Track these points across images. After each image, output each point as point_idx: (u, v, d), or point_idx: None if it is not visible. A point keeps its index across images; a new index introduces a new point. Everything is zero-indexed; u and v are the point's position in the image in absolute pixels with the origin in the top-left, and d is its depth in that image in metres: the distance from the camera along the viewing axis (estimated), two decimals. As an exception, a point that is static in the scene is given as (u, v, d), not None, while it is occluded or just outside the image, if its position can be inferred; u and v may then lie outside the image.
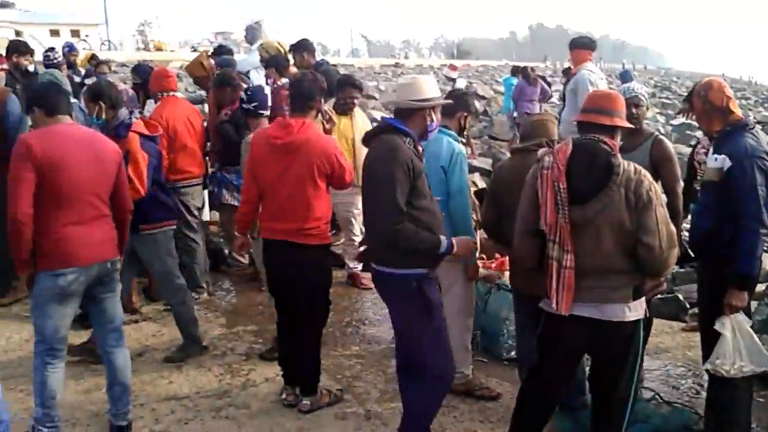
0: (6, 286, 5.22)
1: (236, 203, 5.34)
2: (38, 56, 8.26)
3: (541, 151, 3.08)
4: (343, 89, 5.69)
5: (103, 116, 4.17)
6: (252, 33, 8.28)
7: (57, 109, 3.40)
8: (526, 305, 3.70)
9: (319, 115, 4.19)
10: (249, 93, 4.84)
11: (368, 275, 6.37)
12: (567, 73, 16.25)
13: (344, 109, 5.63)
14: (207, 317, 5.41)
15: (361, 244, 3.38)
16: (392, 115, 3.40)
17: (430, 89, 3.34)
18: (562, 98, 14.80)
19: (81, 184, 3.32)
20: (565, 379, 3.28)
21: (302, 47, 6.67)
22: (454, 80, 14.88)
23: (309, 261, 3.86)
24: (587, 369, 3.87)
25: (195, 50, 42.68)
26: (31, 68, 7.68)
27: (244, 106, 4.81)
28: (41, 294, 3.34)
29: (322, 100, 4.19)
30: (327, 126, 4.62)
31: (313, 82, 3.95)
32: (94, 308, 3.58)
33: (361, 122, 5.86)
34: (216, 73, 6.21)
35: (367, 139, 3.38)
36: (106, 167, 3.44)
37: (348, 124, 5.65)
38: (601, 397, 3.19)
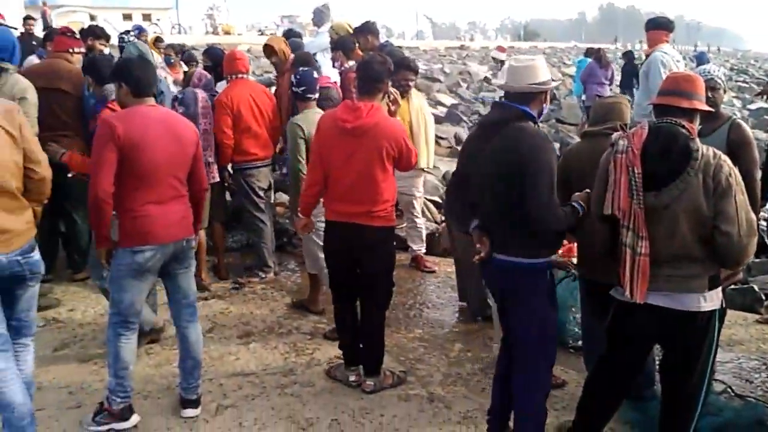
0: (83, 262, 5.42)
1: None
2: (113, 40, 8.53)
3: (615, 135, 2.99)
4: (398, 71, 5.64)
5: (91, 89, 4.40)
6: (319, 16, 8.27)
7: (143, 91, 3.49)
8: (594, 293, 3.61)
9: (384, 96, 4.18)
10: (298, 77, 4.88)
11: (432, 258, 6.39)
12: (627, 56, 15.82)
13: (400, 91, 5.60)
14: (273, 296, 5.52)
15: (478, 232, 3.17)
16: (501, 98, 3.28)
17: (547, 72, 3.21)
18: (619, 83, 14.46)
19: (160, 164, 3.42)
20: (635, 370, 3.20)
21: (367, 30, 6.66)
22: (502, 62, 14.63)
23: (376, 243, 3.89)
24: (657, 359, 3.80)
25: (262, 34, 43.38)
26: (106, 51, 7.98)
27: (294, 89, 4.88)
28: (119, 269, 3.47)
29: (389, 83, 4.17)
30: (392, 108, 4.62)
31: (382, 65, 3.93)
32: (169, 284, 3.70)
33: (417, 104, 5.82)
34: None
35: (496, 124, 3.14)
36: (184, 148, 3.53)
37: (405, 106, 5.61)
38: (672, 388, 3.10)
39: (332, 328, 4.67)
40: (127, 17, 42.84)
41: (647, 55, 6.41)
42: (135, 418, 3.63)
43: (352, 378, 4.07)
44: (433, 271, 6.09)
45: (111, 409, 3.57)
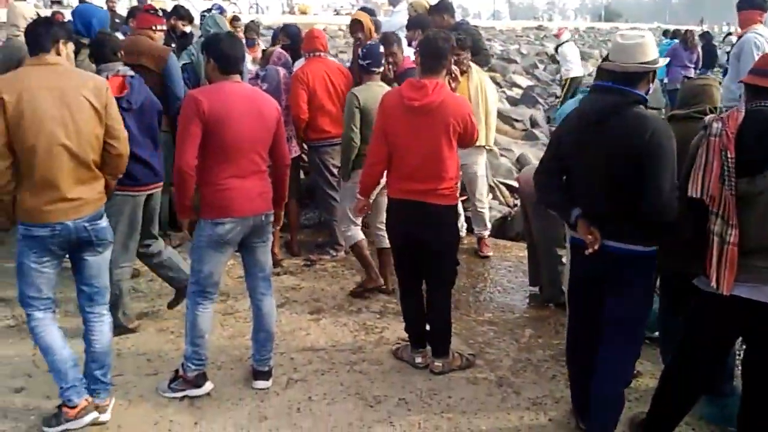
0: (164, 233, 5.55)
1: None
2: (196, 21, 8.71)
3: (708, 117, 2.85)
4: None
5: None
6: (396, -6, 8.23)
7: (231, 67, 3.55)
8: (672, 283, 3.48)
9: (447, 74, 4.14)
10: (365, 50, 4.93)
11: (503, 243, 6.30)
12: (705, 37, 15.17)
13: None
14: (344, 274, 5.57)
15: (585, 221, 3.04)
16: (602, 80, 3.13)
17: (655, 49, 3.02)
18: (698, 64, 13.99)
19: (244, 140, 3.49)
20: (715, 364, 3.07)
21: (443, 8, 6.56)
22: (557, 48, 14.36)
23: (441, 220, 3.89)
24: (738, 353, 3.64)
25: (337, 13, 43.49)
26: (187, 29, 8.16)
27: (359, 62, 4.91)
28: (200, 240, 3.56)
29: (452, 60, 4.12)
30: (452, 84, 4.55)
31: (446, 41, 3.87)
32: (247, 256, 3.78)
33: (477, 80, 5.69)
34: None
35: (608, 111, 2.95)
36: (266, 125, 3.59)
37: (464, 83, 5.51)
38: (755, 385, 2.95)
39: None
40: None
41: (739, 37, 6.10)
42: (208, 386, 3.73)
43: (419, 360, 4.06)
44: (488, 257, 5.97)
45: (186, 376, 3.69)
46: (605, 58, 3.18)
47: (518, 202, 7.52)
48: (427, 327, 4.07)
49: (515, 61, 22.44)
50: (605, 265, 3.05)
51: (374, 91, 4.75)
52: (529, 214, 4.95)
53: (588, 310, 3.25)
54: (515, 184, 7.85)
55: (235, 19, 10.44)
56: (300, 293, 5.16)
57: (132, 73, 4.27)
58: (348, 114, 4.87)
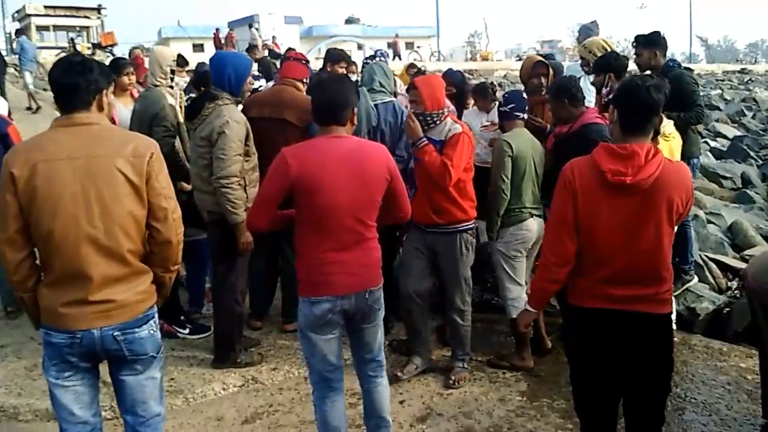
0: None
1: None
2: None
3: None
4: None
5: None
6: (585, 33, 7.15)
7: (326, 118, 3.02)
8: None
9: None
10: (507, 95, 4.59)
11: (717, 344, 4.82)
12: None
13: None
14: (506, 379, 4.44)
15: None
16: None
17: None
18: None
19: (340, 208, 2.96)
20: None
21: (653, 42, 5.36)
22: None
23: (662, 335, 2.83)
24: None
25: (520, 59, 42.54)
26: (353, 78, 7.58)
27: (501, 108, 4.55)
28: (301, 321, 3.09)
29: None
30: None
31: (658, 90, 2.73)
32: (353, 338, 3.25)
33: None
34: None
35: None
36: (371, 185, 3.02)
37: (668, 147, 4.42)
38: None
39: None
40: (391, 46, 44.67)
41: None
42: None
43: None
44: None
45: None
46: None
47: (734, 283, 6.05)
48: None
49: (718, 108, 20.06)
50: None
51: (525, 138, 4.41)
52: (761, 320, 3.62)
53: None
54: (732, 262, 6.32)
55: (411, 67, 9.72)
56: (447, 402, 4.10)
57: None
58: (498, 161, 4.30)
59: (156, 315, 2.65)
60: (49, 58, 25.32)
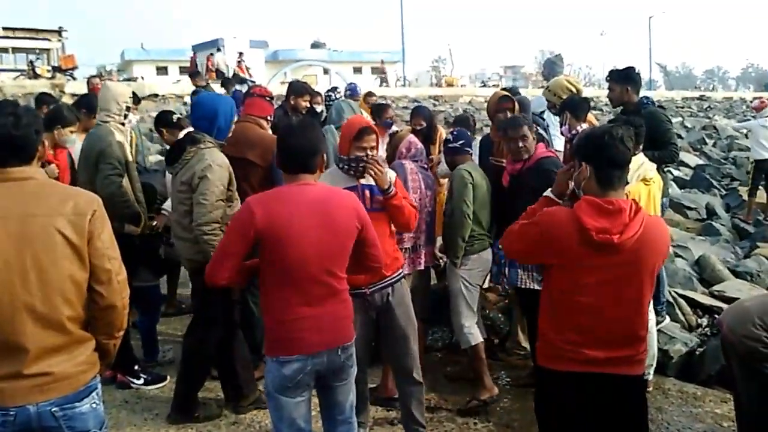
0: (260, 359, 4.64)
1: (536, 286, 4.14)
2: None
3: None
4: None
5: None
6: (550, 68, 7.13)
7: (295, 166, 2.88)
8: None
9: None
10: (456, 132, 4.67)
11: (689, 388, 4.69)
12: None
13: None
14: (476, 427, 4.27)
15: None
16: None
17: None
18: None
19: (310, 260, 2.78)
20: None
21: (625, 78, 5.22)
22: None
23: (638, 397, 2.80)
24: None
25: (484, 85, 42.97)
26: (318, 109, 7.43)
27: (451, 145, 4.59)
28: (269, 382, 2.87)
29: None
30: None
31: (630, 140, 2.68)
32: (323, 397, 3.06)
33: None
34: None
35: None
36: (341, 234, 2.87)
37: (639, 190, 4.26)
38: None
39: None
40: (358, 70, 44.77)
41: None
42: None
43: None
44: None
45: None
46: None
47: (704, 320, 5.99)
48: None
49: (680, 136, 20.33)
50: None
51: (479, 169, 4.52)
52: (737, 372, 3.52)
53: None
54: (701, 299, 6.26)
55: (368, 95, 9.53)
56: None
57: None
58: (460, 188, 4.34)
59: (99, 386, 2.42)
60: (7, 81, 24.84)
